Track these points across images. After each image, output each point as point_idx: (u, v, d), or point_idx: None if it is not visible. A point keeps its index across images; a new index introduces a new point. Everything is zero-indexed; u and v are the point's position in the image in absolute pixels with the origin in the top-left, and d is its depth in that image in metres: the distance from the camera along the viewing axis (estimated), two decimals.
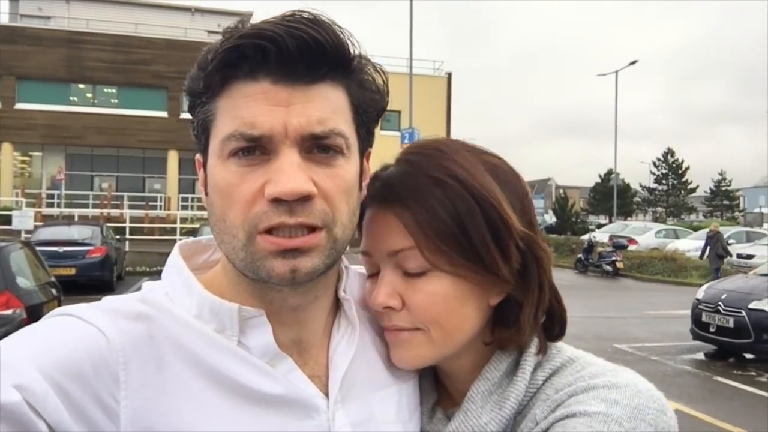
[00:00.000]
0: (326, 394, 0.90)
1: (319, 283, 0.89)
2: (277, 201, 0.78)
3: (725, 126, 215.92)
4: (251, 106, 0.79)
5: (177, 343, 0.82)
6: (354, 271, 1.04)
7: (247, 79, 0.80)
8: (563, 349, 1.00)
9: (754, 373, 9.10)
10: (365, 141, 0.91)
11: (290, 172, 0.77)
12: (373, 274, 1.00)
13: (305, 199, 0.79)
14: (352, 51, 0.84)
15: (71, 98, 31.82)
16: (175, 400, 0.79)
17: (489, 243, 0.92)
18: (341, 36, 0.82)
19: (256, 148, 0.80)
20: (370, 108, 0.89)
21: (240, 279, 0.87)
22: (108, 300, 0.85)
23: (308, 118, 0.79)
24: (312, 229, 0.80)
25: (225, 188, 0.81)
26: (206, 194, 0.88)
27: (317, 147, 0.81)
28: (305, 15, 0.80)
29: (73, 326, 0.78)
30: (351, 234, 0.87)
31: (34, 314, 6.89)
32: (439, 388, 1.07)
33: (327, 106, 0.81)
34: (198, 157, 0.91)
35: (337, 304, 0.99)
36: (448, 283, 0.93)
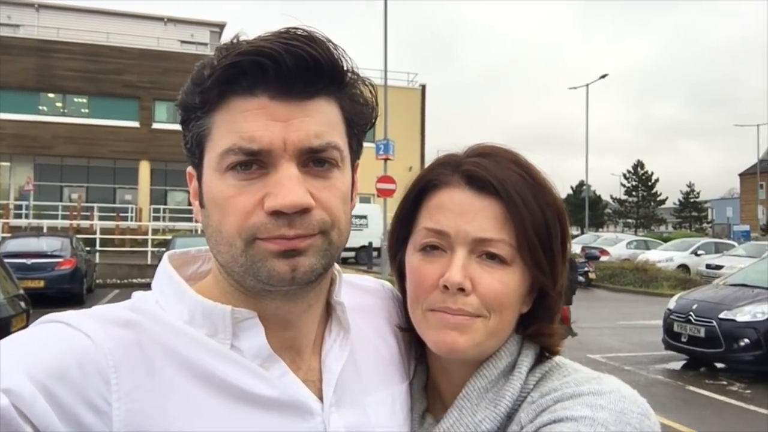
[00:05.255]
0: (320, 398, 0.91)
1: (312, 292, 0.91)
2: (276, 213, 0.80)
3: (685, 140, 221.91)
4: (250, 120, 0.81)
5: (168, 348, 0.83)
6: (345, 277, 1.05)
7: (246, 95, 0.82)
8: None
9: (725, 382, 9.25)
10: (356, 153, 0.94)
11: (290, 186, 0.80)
12: (426, 249, 0.99)
13: (304, 211, 0.81)
14: (345, 67, 0.87)
15: (40, 107, 31.38)
16: (169, 403, 0.80)
17: (560, 252, 1.00)
18: (335, 52, 0.85)
19: (253, 162, 0.82)
20: (361, 121, 0.92)
21: (232, 288, 0.89)
22: (97, 308, 0.86)
23: (306, 133, 0.82)
24: (308, 235, 0.82)
25: (222, 201, 0.83)
26: (201, 206, 0.89)
27: (313, 160, 0.84)
28: (300, 32, 0.83)
29: (61, 332, 0.79)
30: (345, 240, 0.89)
31: (2, 328, 6.73)
32: (428, 395, 1.08)
33: (323, 121, 0.84)
34: (190, 170, 0.92)
35: (327, 310, 0.99)
36: (519, 277, 0.98)
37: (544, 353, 1.03)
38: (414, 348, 1.10)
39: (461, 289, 0.94)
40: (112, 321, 0.82)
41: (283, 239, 0.81)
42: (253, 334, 0.87)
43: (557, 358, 1.02)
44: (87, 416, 0.74)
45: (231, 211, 0.82)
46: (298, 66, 0.80)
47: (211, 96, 0.83)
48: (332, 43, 0.85)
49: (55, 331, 0.79)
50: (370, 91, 0.93)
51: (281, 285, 0.84)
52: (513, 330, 1.02)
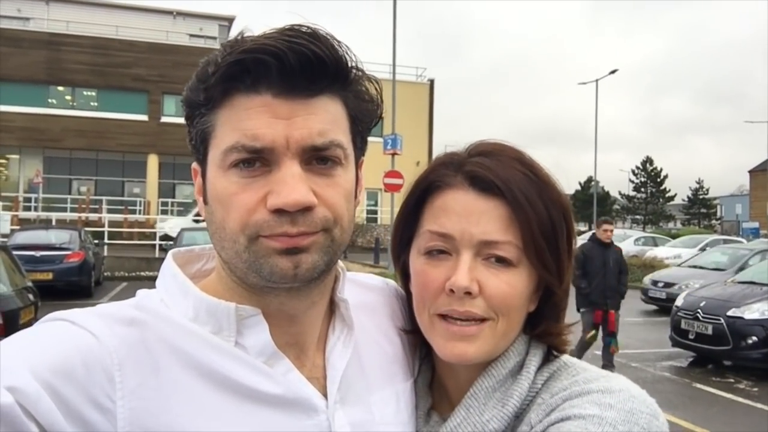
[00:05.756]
0: (324, 395, 0.91)
1: (316, 289, 0.91)
2: (279, 211, 0.80)
3: (695, 136, 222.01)
4: (253, 118, 0.81)
5: (173, 346, 0.83)
6: (350, 275, 1.05)
7: (249, 92, 0.82)
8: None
9: (732, 380, 9.21)
10: (360, 150, 0.94)
11: (292, 184, 0.80)
12: (431, 253, 0.99)
13: (307, 209, 0.81)
14: (349, 64, 0.86)
15: (50, 100, 31.48)
16: (174, 401, 0.80)
17: (566, 250, 1.00)
18: (339, 50, 0.84)
19: (257, 160, 0.82)
20: (365, 118, 0.92)
21: (236, 285, 0.89)
22: (102, 306, 0.86)
23: (309, 131, 0.82)
24: (311, 233, 0.82)
25: (226, 198, 0.83)
26: (205, 203, 0.89)
27: (317, 158, 0.83)
28: (305, 29, 0.82)
29: (66, 330, 0.79)
30: (348, 238, 0.89)
31: (10, 320, 6.78)
32: (434, 393, 1.08)
33: (326, 119, 0.84)
34: (194, 165, 0.92)
35: (331, 307, 0.99)
36: (526, 278, 0.97)
37: (552, 352, 1.02)
38: (419, 346, 1.10)
39: (468, 293, 0.94)
40: (117, 319, 0.82)
41: (286, 237, 0.81)
42: (257, 331, 0.87)
43: (565, 358, 1.02)
44: (92, 414, 0.74)
45: (234, 208, 0.82)
46: (301, 64, 0.80)
47: (215, 93, 0.83)
48: (336, 41, 0.84)
49: (59, 330, 0.79)
50: (376, 88, 0.92)
51: (283, 282, 0.84)
52: (521, 330, 1.01)
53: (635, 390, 0.89)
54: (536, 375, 0.98)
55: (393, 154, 19.79)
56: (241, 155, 0.81)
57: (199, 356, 0.83)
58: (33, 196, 28.77)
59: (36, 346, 0.75)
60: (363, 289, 1.11)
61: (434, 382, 1.09)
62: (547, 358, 1.01)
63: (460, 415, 0.97)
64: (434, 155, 1.09)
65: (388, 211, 24.51)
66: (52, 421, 0.70)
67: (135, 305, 0.87)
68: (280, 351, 0.88)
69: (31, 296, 8.01)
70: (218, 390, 0.83)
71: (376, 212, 34.28)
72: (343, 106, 0.87)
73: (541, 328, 1.02)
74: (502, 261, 0.95)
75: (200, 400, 0.81)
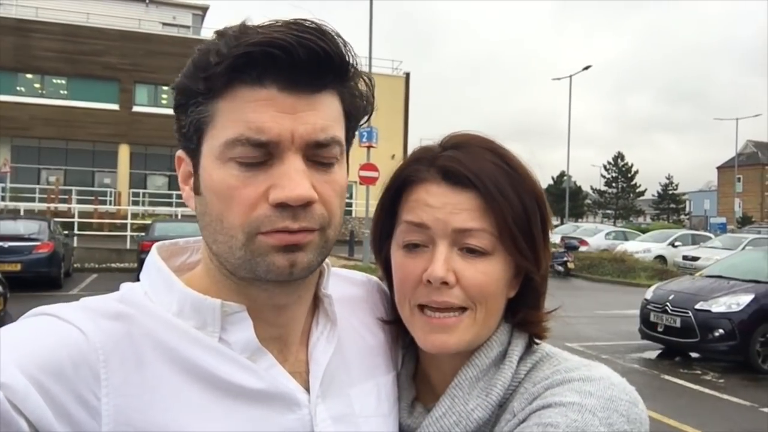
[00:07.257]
0: (307, 390, 0.91)
1: (303, 284, 0.91)
2: (281, 206, 0.80)
3: (665, 133, 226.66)
4: (258, 111, 0.81)
5: (157, 340, 0.83)
6: (333, 270, 1.05)
7: (254, 85, 0.81)
8: (542, 345, 1.05)
9: (699, 372, 9.40)
10: (350, 144, 0.94)
11: (297, 179, 0.80)
12: (409, 246, 1.00)
13: (307, 204, 0.81)
14: (350, 61, 0.87)
15: (18, 88, 30.86)
16: (157, 397, 0.79)
17: (540, 237, 1.01)
18: (343, 47, 0.85)
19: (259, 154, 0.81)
20: (358, 115, 0.93)
21: (223, 278, 0.89)
22: (86, 300, 0.86)
23: (313, 126, 0.82)
24: (310, 230, 0.83)
25: (225, 191, 0.82)
26: (196, 193, 0.88)
27: (316, 154, 0.84)
28: (310, 24, 0.82)
29: (52, 325, 0.78)
30: (337, 236, 0.90)
31: None
32: (418, 384, 1.09)
33: (328, 115, 0.84)
34: (180, 154, 0.91)
35: (315, 302, 1.00)
36: (502, 266, 0.99)
37: (534, 340, 1.04)
38: (402, 337, 1.11)
39: (445, 283, 0.95)
40: (102, 313, 0.82)
41: (286, 233, 0.81)
42: (241, 328, 0.87)
43: (548, 348, 1.03)
44: (79, 412, 0.74)
45: (235, 202, 0.81)
46: (309, 59, 0.80)
47: (217, 83, 0.82)
48: (341, 38, 0.85)
49: (46, 325, 0.78)
50: (368, 85, 0.93)
51: (278, 279, 0.84)
52: (502, 318, 1.03)
53: (615, 378, 0.92)
54: (519, 364, 1.00)
55: (368, 147, 19.78)
56: (245, 148, 0.81)
57: (182, 351, 0.83)
58: (0, 185, 28.22)
59: (23, 342, 0.74)
60: (346, 283, 1.11)
61: (418, 374, 1.10)
62: (530, 347, 1.03)
63: (444, 404, 0.98)
64: (410, 148, 1.11)
65: (362, 204, 24.50)
66: (40, 416, 0.69)
67: (119, 299, 0.86)
68: (264, 346, 0.88)
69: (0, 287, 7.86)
70: (201, 385, 0.83)
71: (350, 205, 34.18)
72: (340, 103, 0.88)
73: (521, 316, 1.04)
74: (477, 250, 0.97)
75: (183, 395, 0.81)
